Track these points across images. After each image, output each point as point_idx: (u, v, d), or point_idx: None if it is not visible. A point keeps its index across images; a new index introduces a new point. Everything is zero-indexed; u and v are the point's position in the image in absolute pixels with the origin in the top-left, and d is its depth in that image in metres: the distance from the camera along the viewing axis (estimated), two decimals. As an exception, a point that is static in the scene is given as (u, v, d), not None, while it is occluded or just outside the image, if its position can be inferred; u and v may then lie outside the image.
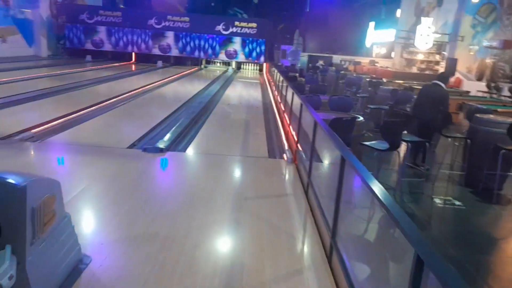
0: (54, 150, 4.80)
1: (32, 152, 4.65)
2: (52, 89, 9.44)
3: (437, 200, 4.66)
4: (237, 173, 4.52)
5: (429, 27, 15.94)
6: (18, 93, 8.24)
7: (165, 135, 5.87)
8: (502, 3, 13.27)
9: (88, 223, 2.98)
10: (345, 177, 2.60)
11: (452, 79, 15.22)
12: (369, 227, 3.24)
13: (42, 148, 4.81)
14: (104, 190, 3.60)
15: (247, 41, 20.53)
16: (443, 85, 5.82)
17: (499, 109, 7.23)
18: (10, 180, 1.62)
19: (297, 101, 5.50)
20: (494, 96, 11.74)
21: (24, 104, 7.40)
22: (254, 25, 20.49)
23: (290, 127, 6.04)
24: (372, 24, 24.25)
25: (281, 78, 9.13)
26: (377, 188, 1.91)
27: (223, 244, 2.81)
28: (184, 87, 12.68)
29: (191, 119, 7.22)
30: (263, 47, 20.44)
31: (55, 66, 15.39)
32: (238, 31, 20.49)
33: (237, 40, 20.54)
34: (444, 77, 6.03)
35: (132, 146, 5.19)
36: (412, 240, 1.46)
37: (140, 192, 3.55)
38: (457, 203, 4.63)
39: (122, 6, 25.28)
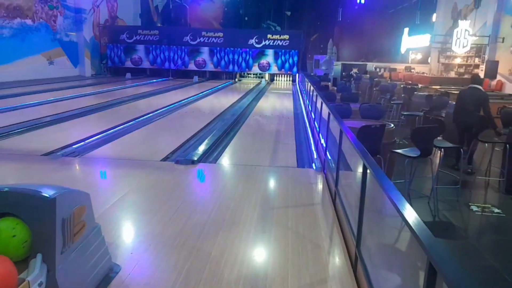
0: (92, 164, 5.08)
1: (72, 167, 4.94)
2: (95, 106, 9.99)
3: (474, 208, 4.48)
4: (265, 183, 4.57)
5: (466, 30, 15.38)
6: (63, 111, 8.79)
7: (198, 147, 6.04)
8: (546, 0, 12.59)
9: (120, 233, 3.13)
10: (367, 186, 2.58)
11: (493, 82, 14.57)
12: (396, 237, 3.17)
13: (82, 163, 5.10)
14: (136, 201, 3.77)
15: (280, 53, 20.69)
16: (481, 87, 5.68)
17: (543, 112, 6.83)
18: (42, 193, 1.77)
19: (326, 110, 5.49)
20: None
21: (69, 121, 7.88)
22: (287, 37, 20.65)
23: (320, 136, 6.03)
24: (406, 30, 23.71)
25: (312, 88, 9.13)
26: (393, 193, 1.89)
27: (248, 253, 2.85)
28: (219, 100, 12.98)
29: (224, 131, 7.37)
30: (295, 58, 20.52)
31: (98, 85, 16.24)
32: (271, 43, 20.72)
33: (270, 52, 20.76)
34: (479, 79, 5.88)
35: (166, 158, 5.39)
36: (424, 247, 1.42)
37: (170, 203, 3.69)
38: (496, 210, 4.43)
39: (159, 24, 26.36)
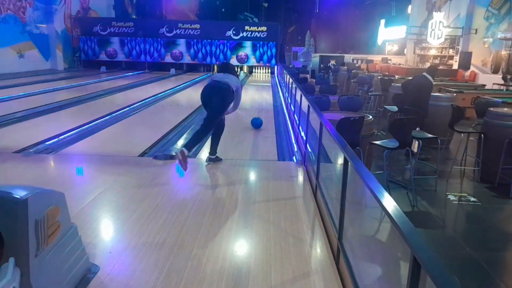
0: (67, 161, 4.91)
1: (45, 164, 4.76)
2: (69, 101, 9.68)
3: (451, 197, 4.58)
4: (246, 177, 4.53)
5: (441, 22, 15.68)
6: (35, 106, 8.48)
7: (176, 141, 5.93)
8: (516, -7, 12.96)
9: (98, 232, 3.03)
10: (348, 178, 2.58)
11: (467, 73, 14.94)
12: (377, 228, 3.20)
13: (56, 160, 4.93)
14: (113, 199, 3.67)
15: (258, 45, 20.59)
16: (428, 76, 5.97)
17: (515, 102, 7.05)
18: (12, 194, 1.67)
19: (305, 102, 5.49)
20: (511, 88, 11.45)
21: (41, 116, 7.60)
22: (264, 28, 20.54)
23: (300, 128, 6.02)
24: (382, 21, 24.01)
25: (291, 80, 9.12)
26: (374, 185, 1.89)
27: (230, 249, 2.82)
28: (197, 93, 12.79)
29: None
30: (274, 50, 20.47)
31: (71, 78, 15.75)
32: (249, 35, 20.57)
33: (248, 44, 20.63)
34: (432, 70, 6.20)
35: (143, 154, 5.27)
36: (408, 241, 1.42)
37: (149, 200, 3.60)
38: (472, 199, 4.54)
39: (134, 16, 25.75)
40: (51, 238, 1.83)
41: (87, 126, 6.81)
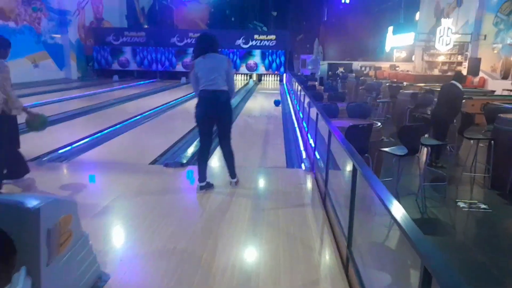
0: (79, 169, 5.00)
1: (58, 172, 4.86)
2: (82, 110, 9.86)
3: (461, 204, 4.55)
4: (255, 184, 4.56)
5: (449, 28, 15.62)
6: (49, 115, 8.61)
7: (187, 149, 6.00)
8: (526, -2, 12.87)
9: (109, 239, 3.09)
10: (357, 186, 2.60)
11: (476, 79, 14.82)
12: (387, 236, 3.20)
13: (68, 168, 5.03)
14: (125, 206, 3.73)
15: (267, 53, 20.73)
16: (458, 84, 5.87)
17: (526, 108, 6.97)
18: (24, 204, 1.72)
19: (314, 110, 5.52)
20: (522, 94, 11.34)
21: (54, 125, 7.73)
22: (273, 37, 20.70)
23: (308, 136, 6.05)
24: (390, 28, 23.99)
25: (300, 88, 9.17)
26: (383, 193, 1.91)
27: (240, 256, 2.85)
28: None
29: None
30: (282, 58, 20.58)
31: (84, 87, 16.02)
32: (258, 44, 20.75)
33: (257, 52, 20.79)
34: (459, 77, 6.09)
35: (154, 161, 5.34)
36: (418, 250, 1.39)
37: (160, 207, 3.66)
38: (483, 206, 4.50)
39: (146, 26, 26.15)
40: (63, 246, 1.88)
41: (99, 134, 6.93)
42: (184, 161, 5.16)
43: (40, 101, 10.83)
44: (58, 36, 18.77)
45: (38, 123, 4.30)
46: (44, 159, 5.28)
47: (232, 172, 4.26)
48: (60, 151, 5.70)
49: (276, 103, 11.47)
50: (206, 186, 4.11)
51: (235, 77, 21.96)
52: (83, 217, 3.15)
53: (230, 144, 4.24)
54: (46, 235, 1.78)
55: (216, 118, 4.05)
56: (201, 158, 4.16)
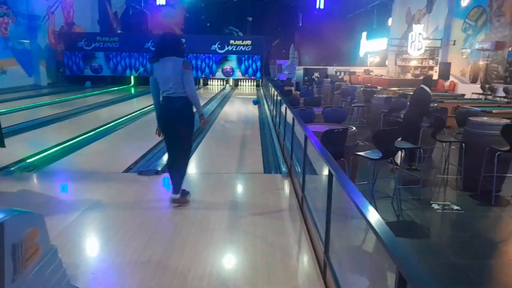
0: (49, 179, 4.82)
1: (27, 183, 4.65)
2: (53, 117, 9.56)
3: (435, 206, 4.64)
4: (232, 191, 4.51)
5: (420, 34, 16.09)
6: (17, 123, 8.33)
7: (161, 156, 5.89)
8: (491, 5, 13.40)
9: (80, 252, 2.97)
10: (334, 190, 2.59)
11: (446, 83, 15.29)
12: (363, 240, 3.22)
13: (38, 178, 4.84)
14: (97, 217, 3.60)
15: (243, 58, 20.77)
16: (426, 88, 6.09)
17: (494, 110, 7.23)
18: (-12, 218, 1.63)
19: (290, 114, 5.53)
20: (489, 97, 11.76)
21: (23, 133, 7.47)
22: (249, 42, 20.76)
23: (285, 140, 6.06)
24: (364, 34, 24.54)
25: (276, 93, 9.19)
26: (359, 199, 1.90)
27: (217, 265, 2.79)
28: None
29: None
30: (259, 63, 20.66)
31: (55, 94, 15.57)
32: (234, 49, 20.75)
33: (233, 58, 20.79)
34: (428, 81, 6.34)
35: (128, 169, 5.21)
36: (393, 256, 1.38)
37: (133, 217, 3.55)
38: (456, 207, 4.60)
39: (119, 31, 25.72)
40: (29, 261, 1.79)
41: (71, 142, 6.72)
42: (159, 169, 5.05)
43: (8, 109, 10.44)
44: (27, 41, 18.21)
45: None
46: (12, 169, 5.06)
47: (176, 187, 3.84)
48: (29, 160, 5.49)
49: (254, 102, 13.06)
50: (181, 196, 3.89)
51: (212, 82, 21.93)
52: (53, 230, 3.03)
53: (186, 157, 3.90)
54: (11, 250, 1.68)
55: (172, 126, 3.74)
56: (169, 170, 3.94)
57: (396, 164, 5.10)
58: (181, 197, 3.86)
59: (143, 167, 5.26)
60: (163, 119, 3.76)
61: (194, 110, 3.80)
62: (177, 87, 3.62)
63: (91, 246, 3.12)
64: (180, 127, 3.74)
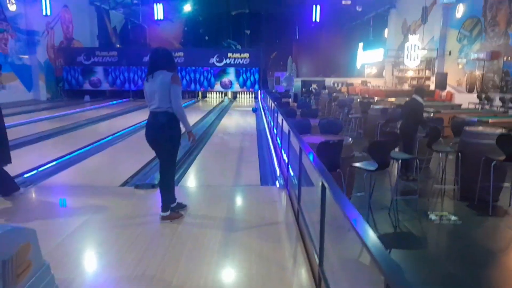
0: (45, 194, 4.81)
1: (23, 197, 4.64)
2: (51, 131, 9.58)
3: (432, 217, 4.63)
4: (228, 204, 4.50)
5: (416, 44, 16.25)
6: (16, 137, 8.33)
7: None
8: (485, 16, 13.56)
9: (75, 267, 2.94)
10: (329, 203, 2.60)
11: (443, 93, 15.38)
12: (359, 253, 3.20)
13: (34, 192, 4.83)
14: (92, 231, 3.59)
15: (241, 71, 20.89)
16: (418, 97, 6.16)
17: (490, 120, 7.27)
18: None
19: (287, 126, 5.55)
20: (486, 107, 11.82)
21: (21, 148, 7.46)
22: (247, 55, 20.91)
23: (282, 152, 6.07)
24: (361, 45, 24.77)
25: (274, 105, 9.24)
26: (350, 212, 1.91)
27: (211, 279, 2.77)
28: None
29: (186, 151, 7.26)
30: (257, 76, 20.78)
31: (54, 109, 15.61)
32: (232, 62, 20.89)
33: (231, 70, 20.92)
34: (419, 90, 6.42)
35: (125, 183, 5.21)
36: (382, 270, 1.39)
37: (129, 231, 3.54)
38: (453, 218, 4.59)
39: (118, 45, 25.93)
40: (20, 277, 1.78)
41: (69, 156, 6.73)
42: (156, 182, 5.04)
43: (7, 124, 10.44)
44: (26, 57, 18.34)
45: None
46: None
47: (162, 204, 3.78)
48: (26, 175, 5.49)
49: (254, 110, 14.15)
50: (171, 212, 3.82)
51: (210, 94, 21.99)
52: (47, 245, 3.03)
53: (168, 173, 3.80)
54: (2, 267, 1.68)
55: (155, 141, 3.69)
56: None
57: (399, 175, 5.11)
58: (171, 213, 3.81)
59: (140, 180, 5.26)
60: (146, 134, 3.74)
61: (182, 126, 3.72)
62: (162, 101, 3.57)
63: (85, 261, 3.10)
64: (162, 143, 3.66)
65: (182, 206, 4.04)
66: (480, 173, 4.85)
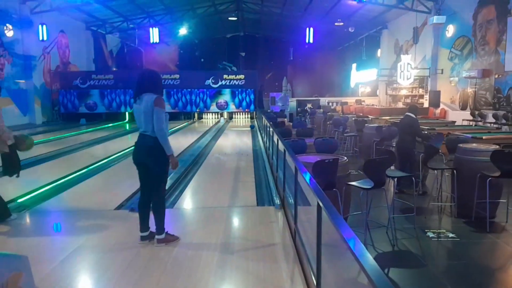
0: (39, 219, 4.76)
1: (15, 223, 4.56)
2: (46, 155, 9.52)
3: (430, 234, 4.60)
4: (224, 225, 4.45)
5: (409, 63, 16.52)
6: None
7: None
8: (475, 35, 13.85)
9: (68, 293, 2.89)
10: (325, 223, 2.58)
11: (437, 111, 15.54)
12: (357, 274, 3.16)
13: (28, 218, 4.77)
14: (85, 257, 3.53)
15: (237, 92, 21.07)
16: (411, 114, 6.27)
17: (484, 136, 7.31)
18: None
19: (282, 146, 5.56)
20: (480, 123, 11.93)
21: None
22: (242, 76, 21.14)
23: (278, 172, 6.06)
24: (354, 65, 25.16)
25: (269, 125, 9.28)
26: (345, 231, 1.90)
27: (207, 303, 2.72)
28: (177, 141, 12.80)
29: (182, 172, 7.23)
30: (252, 96, 20.96)
31: (49, 132, 15.59)
32: (227, 83, 21.10)
33: (227, 91, 21.09)
34: (413, 108, 6.54)
35: (120, 206, 5.16)
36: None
37: (122, 256, 3.48)
38: (451, 235, 4.57)
39: (114, 69, 26.16)
40: (11, 305, 1.74)
41: (63, 180, 6.68)
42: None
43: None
44: (22, 81, 18.44)
45: (25, 146, 4.28)
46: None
47: (157, 227, 3.73)
48: (19, 200, 5.43)
49: (252, 127, 15.61)
50: (149, 237, 3.77)
51: (206, 115, 22.07)
52: (41, 271, 2.97)
53: (159, 196, 3.77)
54: None
55: (143, 165, 3.71)
56: (139, 208, 3.86)
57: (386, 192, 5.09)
58: (166, 236, 3.76)
59: (135, 204, 5.20)
60: (134, 156, 3.76)
61: None
62: (148, 123, 3.59)
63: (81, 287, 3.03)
64: (151, 167, 3.65)
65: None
66: (476, 189, 4.85)
